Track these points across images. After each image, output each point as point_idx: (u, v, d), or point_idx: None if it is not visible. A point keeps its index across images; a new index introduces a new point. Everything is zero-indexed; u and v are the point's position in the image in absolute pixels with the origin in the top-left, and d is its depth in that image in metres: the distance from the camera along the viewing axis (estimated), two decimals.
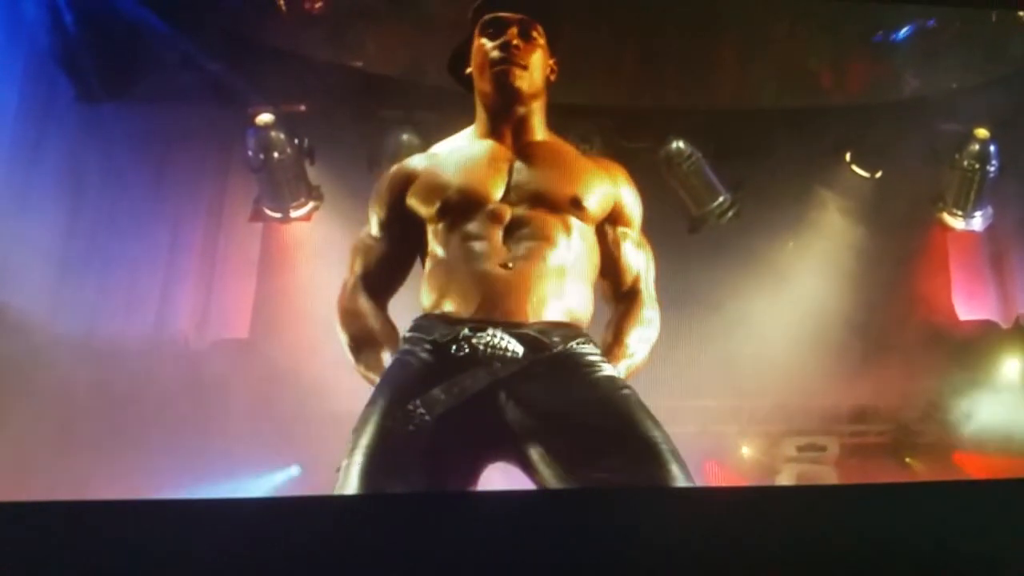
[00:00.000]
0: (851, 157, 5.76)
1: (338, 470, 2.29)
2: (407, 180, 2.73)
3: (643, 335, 2.68)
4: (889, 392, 5.84)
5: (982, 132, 5.63)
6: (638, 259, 2.78)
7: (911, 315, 5.85)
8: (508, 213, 2.55)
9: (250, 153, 5.36)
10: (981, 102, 5.56)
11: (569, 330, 2.44)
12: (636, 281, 2.77)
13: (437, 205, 2.61)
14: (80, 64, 5.12)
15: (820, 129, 5.48)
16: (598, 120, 5.47)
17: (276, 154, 5.34)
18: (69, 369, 4.78)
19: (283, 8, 5.07)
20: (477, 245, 2.52)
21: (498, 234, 2.51)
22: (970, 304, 6.03)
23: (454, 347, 2.37)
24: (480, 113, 2.79)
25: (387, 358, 2.56)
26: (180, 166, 5.46)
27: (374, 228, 2.79)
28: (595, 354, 2.45)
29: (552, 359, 2.38)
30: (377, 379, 2.51)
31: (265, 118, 5.31)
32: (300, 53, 5.15)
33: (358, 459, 2.27)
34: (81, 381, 4.79)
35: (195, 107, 5.43)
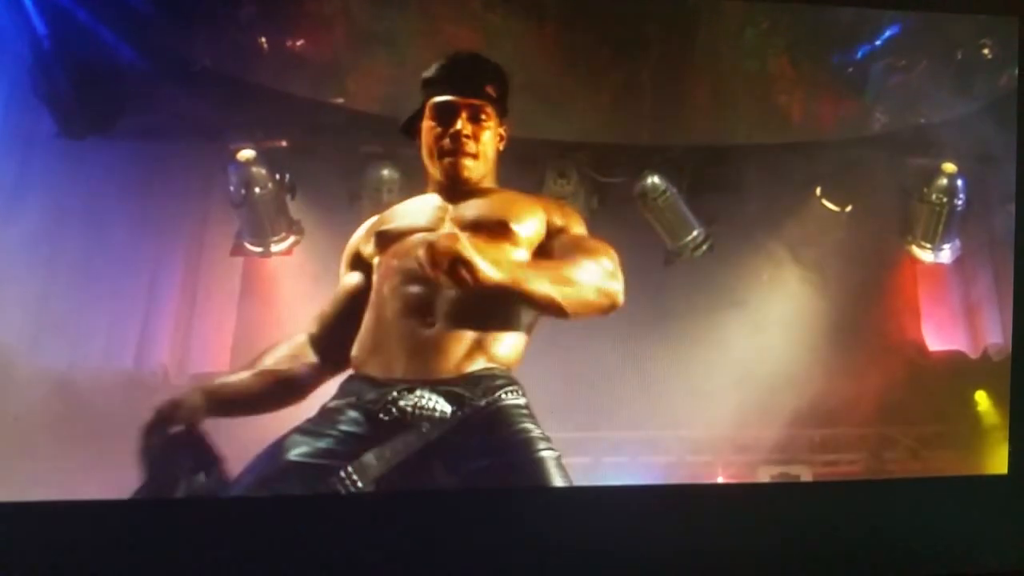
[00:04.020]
0: (821, 192, 5.85)
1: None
2: (360, 239, 2.89)
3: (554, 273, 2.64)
4: (860, 422, 5.91)
5: (949, 167, 5.74)
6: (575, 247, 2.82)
7: (881, 346, 5.93)
8: (441, 243, 2.55)
9: (231, 188, 5.40)
10: (948, 137, 5.68)
11: (496, 379, 2.45)
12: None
13: (374, 238, 2.67)
14: (62, 100, 5.13)
15: (791, 165, 5.56)
16: (574, 155, 5.54)
17: (257, 189, 5.37)
18: (48, 402, 4.80)
19: (265, 46, 5.13)
20: (407, 289, 2.53)
21: (423, 272, 2.47)
22: (939, 335, 6.11)
23: (383, 412, 2.36)
24: (429, 177, 2.90)
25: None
26: (161, 201, 5.47)
27: (340, 289, 2.83)
28: (519, 407, 2.46)
29: (479, 414, 2.39)
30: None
31: (246, 154, 5.34)
32: (281, 90, 5.20)
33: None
34: (58, 414, 4.80)
35: (176, 143, 5.46)
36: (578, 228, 2.88)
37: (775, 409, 5.59)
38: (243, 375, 2.73)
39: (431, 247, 2.42)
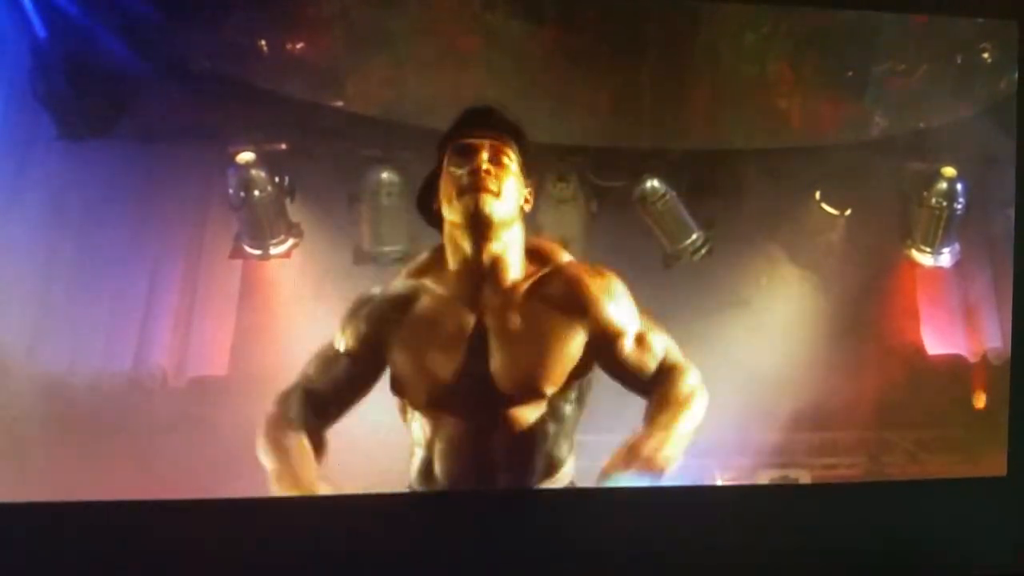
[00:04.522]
0: (820, 195, 5.85)
1: None
2: (386, 331, 2.70)
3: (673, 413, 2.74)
4: (859, 425, 5.92)
5: (949, 171, 5.74)
6: (642, 354, 2.78)
7: (880, 349, 5.93)
8: (488, 417, 2.56)
9: (230, 190, 5.39)
10: (948, 141, 5.69)
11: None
12: (651, 371, 2.79)
13: (421, 398, 2.60)
14: (62, 102, 5.13)
15: (790, 168, 5.58)
16: (574, 159, 5.54)
17: (257, 192, 5.37)
18: (46, 404, 4.80)
19: (264, 49, 5.14)
20: (465, 450, 2.50)
21: (480, 440, 2.52)
22: (938, 339, 6.12)
23: None
24: (450, 254, 2.66)
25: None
26: (160, 203, 5.46)
27: (341, 347, 2.74)
28: None
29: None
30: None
31: (246, 156, 5.34)
32: (281, 92, 5.20)
33: None
34: (56, 416, 4.80)
35: (176, 145, 5.45)
36: (625, 326, 2.78)
37: (774, 412, 5.59)
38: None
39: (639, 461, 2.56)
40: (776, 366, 5.53)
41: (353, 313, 2.77)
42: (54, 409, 4.90)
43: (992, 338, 6.05)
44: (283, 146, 5.49)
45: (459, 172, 2.61)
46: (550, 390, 2.60)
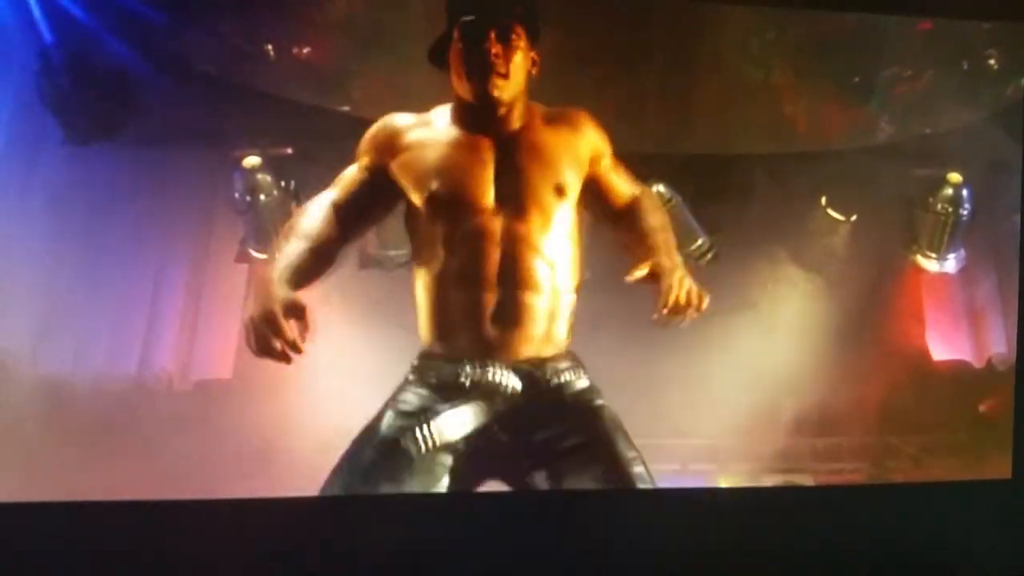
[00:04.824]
0: (826, 201, 5.85)
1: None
2: (393, 145, 2.85)
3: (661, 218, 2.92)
4: (864, 431, 5.91)
5: (955, 176, 5.74)
6: (620, 180, 3.03)
7: (885, 355, 5.93)
8: (498, 224, 2.61)
9: (236, 195, 5.40)
10: (954, 147, 5.68)
11: (560, 361, 2.54)
12: (627, 195, 3.01)
13: (425, 195, 2.66)
14: (68, 106, 5.15)
15: (796, 174, 5.58)
16: None
17: (262, 196, 5.38)
18: (51, 407, 4.82)
19: (270, 53, 5.15)
20: (470, 268, 2.57)
21: (490, 251, 2.57)
22: (943, 345, 6.12)
23: (456, 386, 2.46)
24: (459, 104, 2.83)
25: (304, 262, 2.68)
26: (166, 208, 5.48)
27: (361, 165, 2.80)
28: (583, 382, 2.55)
29: (549, 392, 2.48)
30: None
31: (252, 160, 5.35)
32: (287, 97, 5.22)
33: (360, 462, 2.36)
34: (61, 419, 4.81)
35: (182, 149, 5.46)
36: (607, 149, 3.02)
37: (778, 417, 5.59)
38: (297, 249, 2.72)
39: (680, 295, 2.68)
40: (779, 372, 5.54)
41: (365, 140, 2.99)
42: (58, 411, 4.91)
43: (997, 343, 6.05)
44: (289, 150, 5.49)
45: (467, 51, 2.75)
46: (568, 186, 2.77)
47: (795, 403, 5.56)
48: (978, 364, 6.08)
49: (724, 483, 6.17)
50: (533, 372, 2.55)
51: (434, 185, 2.67)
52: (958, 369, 6.09)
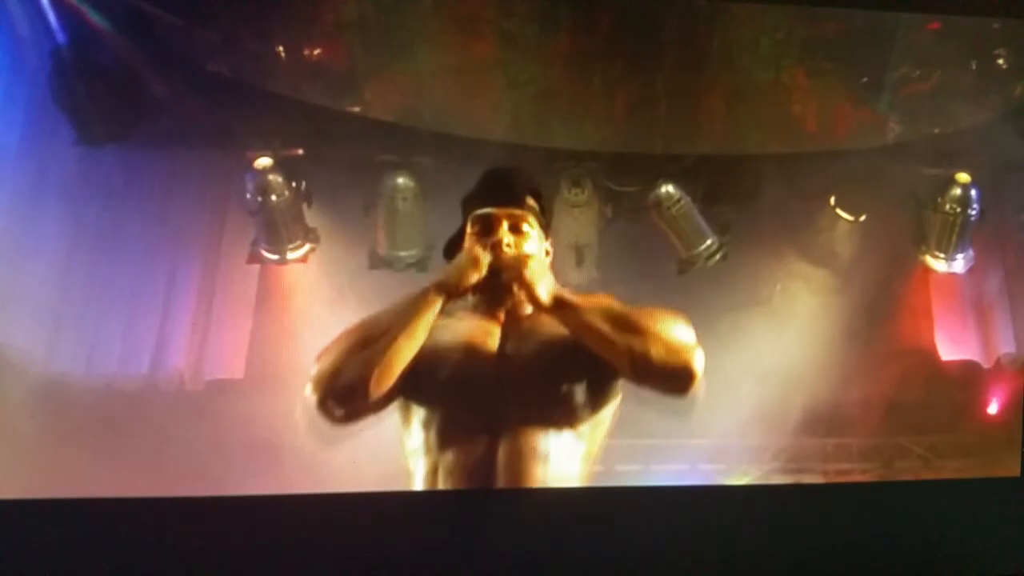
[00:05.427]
0: (835, 201, 5.86)
1: None
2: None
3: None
4: (873, 431, 5.92)
5: (963, 176, 5.74)
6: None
7: (894, 356, 5.93)
8: (504, 369, 2.54)
9: (248, 196, 5.43)
10: (963, 147, 5.68)
11: None
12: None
13: (432, 385, 2.59)
14: (81, 108, 5.17)
15: (805, 174, 5.58)
16: (589, 165, 5.56)
17: (274, 197, 5.41)
18: (64, 405, 4.85)
19: (282, 55, 5.17)
20: (467, 450, 2.50)
21: (486, 404, 2.48)
22: (952, 345, 6.11)
23: None
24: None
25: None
26: (178, 208, 5.51)
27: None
28: None
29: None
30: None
31: (264, 162, 5.38)
32: (299, 99, 5.24)
33: None
34: (75, 417, 4.85)
35: (194, 151, 5.51)
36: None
37: (787, 418, 5.60)
38: None
39: (498, 260, 2.56)
40: (790, 369, 5.53)
41: None
42: (71, 410, 4.93)
43: (1006, 343, 6.05)
44: (300, 151, 5.52)
45: (480, 242, 2.69)
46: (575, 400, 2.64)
47: (804, 404, 5.57)
48: (987, 364, 6.08)
49: (733, 482, 6.19)
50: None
51: (440, 375, 2.61)
52: (967, 369, 6.08)
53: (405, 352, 2.48)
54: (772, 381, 5.51)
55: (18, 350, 4.98)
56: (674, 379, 2.50)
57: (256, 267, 5.75)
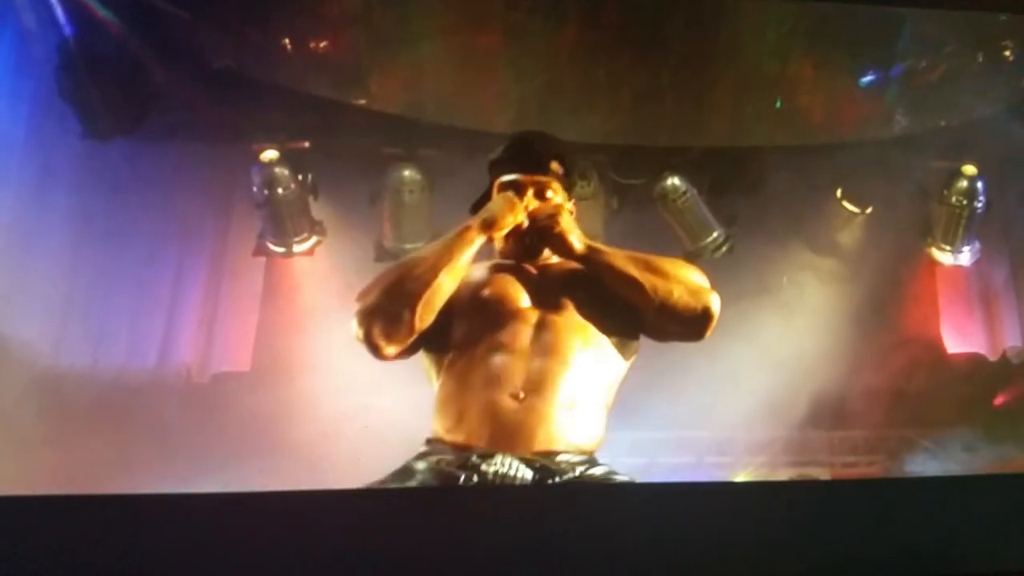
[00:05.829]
0: (842, 193, 5.86)
1: None
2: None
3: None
4: (879, 424, 5.91)
5: (970, 169, 5.73)
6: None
7: (900, 348, 5.92)
8: (533, 317, 2.60)
9: (254, 189, 5.45)
10: (969, 139, 5.67)
11: (576, 457, 2.46)
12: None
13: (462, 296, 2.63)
14: (87, 102, 5.18)
15: (811, 166, 5.57)
16: (595, 157, 5.56)
17: (280, 190, 5.41)
18: (71, 398, 4.86)
19: (288, 48, 5.17)
20: (495, 359, 2.53)
21: (518, 343, 2.55)
22: (958, 337, 6.11)
23: (463, 475, 2.37)
24: (500, 250, 2.83)
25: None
26: (185, 202, 5.51)
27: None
28: (604, 469, 2.49)
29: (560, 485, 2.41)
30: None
31: (270, 155, 5.39)
32: (305, 91, 5.25)
33: None
34: (81, 410, 4.86)
35: (200, 144, 5.52)
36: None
37: (794, 409, 5.59)
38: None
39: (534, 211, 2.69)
40: (796, 362, 5.52)
41: None
42: (78, 404, 4.94)
43: (1012, 336, 6.05)
44: (306, 144, 5.53)
45: None
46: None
47: (811, 395, 5.56)
48: (993, 357, 6.07)
49: (740, 476, 6.18)
50: (546, 465, 2.44)
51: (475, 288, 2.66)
52: (973, 362, 6.08)
53: (446, 287, 2.57)
54: (780, 371, 5.49)
55: (25, 343, 4.98)
56: (694, 321, 2.64)
57: (262, 260, 5.77)
